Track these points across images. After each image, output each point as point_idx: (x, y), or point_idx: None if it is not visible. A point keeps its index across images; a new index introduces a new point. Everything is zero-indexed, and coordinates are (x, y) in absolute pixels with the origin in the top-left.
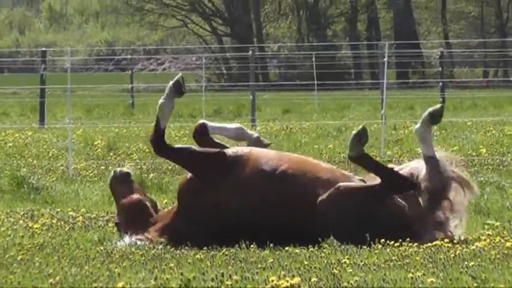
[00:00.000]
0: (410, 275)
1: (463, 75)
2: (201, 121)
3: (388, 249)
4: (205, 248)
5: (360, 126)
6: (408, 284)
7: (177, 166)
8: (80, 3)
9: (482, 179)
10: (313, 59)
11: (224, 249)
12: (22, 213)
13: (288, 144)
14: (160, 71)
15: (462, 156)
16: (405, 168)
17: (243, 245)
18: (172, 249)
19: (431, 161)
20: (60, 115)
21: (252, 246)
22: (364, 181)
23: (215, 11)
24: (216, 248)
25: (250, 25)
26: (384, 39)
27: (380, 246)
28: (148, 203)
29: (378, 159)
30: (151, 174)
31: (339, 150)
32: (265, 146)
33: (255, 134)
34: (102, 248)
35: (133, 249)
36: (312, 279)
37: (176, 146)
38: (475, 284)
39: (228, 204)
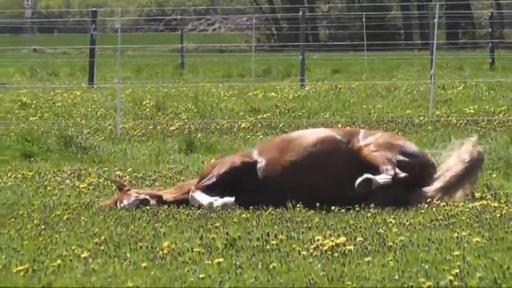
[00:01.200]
0: (456, 234)
1: None
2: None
3: (433, 209)
4: (251, 207)
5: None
6: (454, 243)
7: (225, 125)
8: None
9: None
10: (363, 19)
11: (270, 209)
12: (69, 172)
13: (337, 105)
14: (210, 31)
15: (510, 116)
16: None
17: (289, 204)
18: (218, 208)
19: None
20: (109, 75)
21: (298, 206)
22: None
23: None
24: (261, 207)
25: None
26: (435, 0)
27: (426, 206)
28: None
29: (426, 119)
30: (199, 134)
31: (387, 110)
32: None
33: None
34: (148, 207)
35: (178, 209)
36: (358, 239)
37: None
38: None
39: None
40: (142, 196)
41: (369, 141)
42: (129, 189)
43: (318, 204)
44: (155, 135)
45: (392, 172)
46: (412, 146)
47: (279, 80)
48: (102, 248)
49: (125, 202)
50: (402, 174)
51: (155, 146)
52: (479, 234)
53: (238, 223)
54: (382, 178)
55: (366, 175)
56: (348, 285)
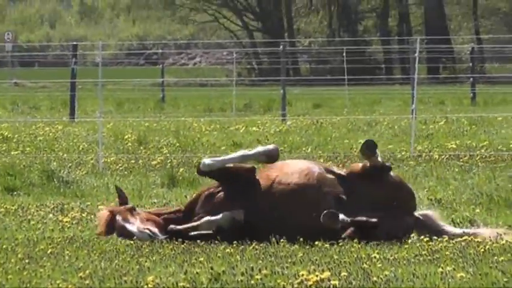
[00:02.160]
0: (440, 269)
1: (493, 71)
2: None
3: (417, 244)
4: (234, 242)
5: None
6: (438, 278)
7: None
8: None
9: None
10: (344, 54)
11: (254, 244)
12: (52, 206)
13: (319, 139)
14: (191, 65)
15: (492, 152)
16: None
17: (273, 239)
18: (202, 243)
19: None
20: (90, 109)
21: (281, 240)
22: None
23: (246, 6)
24: (245, 242)
25: (281, 20)
26: (415, 35)
27: (409, 241)
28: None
29: (408, 154)
30: (181, 169)
31: None
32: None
33: (260, 148)
34: (131, 241)
35: (162, 243)
36: (342, 274)
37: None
38: (504, 279)
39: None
40: (151, 231)
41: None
42: (133, 208)
43: (301, 238)
44: (137, 169)
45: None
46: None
47: (260, 115)
48: (86, 282)
49: (131, 228)
50: (372, 220)
51: (137, 180)
52: (463, 269)
53: (222, 258)
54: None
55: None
56: None
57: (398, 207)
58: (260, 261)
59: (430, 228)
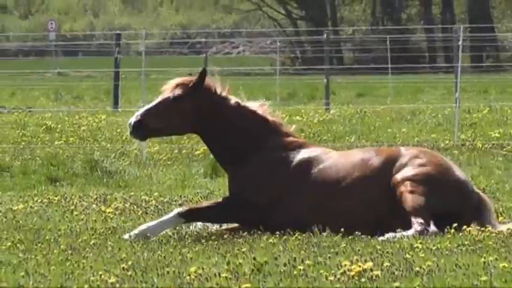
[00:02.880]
0: (483, 259)
1: None
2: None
3: (460, 234)
4: (277, 232)
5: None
6: (481, 268)
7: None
8: None
9: None
10: (388, 42)
11: (296, 234)
12: (95, 197)
13: (362, 128)
14: (234, 54)
15: None
16: None
17: (315, 229)
18: (245, 233)
19: None
20: (134, 98)
21: (324, 231)
22: None
23: None
24: (288, 232)
25: (324, 8)
26: (459, 23)
27: (453, 231)
28: None
29: (451, 143)
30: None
31: (413, 134)
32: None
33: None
34: (175, 232)
35: (205, 234)
36: (385, 264)
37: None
38: None
39: None
40: None
41: (406, 175)
42: None
43: (343, 229)
44: (180, 159)
45: (420, 228)
46: (456, 177)
47: (304, 104)
48: (129, 273)
49: None
50: (432, 229)
51: (181, 170)
52: (506, 259)
53: (265, 248)
54: (407, 235)
55: (389, 234)
56: None
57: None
58: (303, 252)
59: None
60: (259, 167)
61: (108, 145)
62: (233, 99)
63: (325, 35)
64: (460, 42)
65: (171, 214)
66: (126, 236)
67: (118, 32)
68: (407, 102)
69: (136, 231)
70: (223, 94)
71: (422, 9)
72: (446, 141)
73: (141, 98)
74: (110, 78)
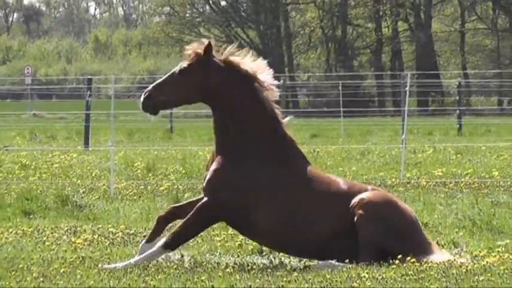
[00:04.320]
0: None
1: (479, 104)
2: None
3: (404, 264)
4: (235, 261)
5: None
6: None
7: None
8: (124, 35)
9: (494, 199)
10: (340, 87)
11: (253, 262)
12: (66, 229)
13: (315, 166)
14: None
15: (476, 179)
16: None
17: (271, 257)
18: (204, 262)
19: None
20: (103, 138)
21: (278, 258)
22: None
23: (250, 42)
24: (245, 261)
25: (282, 56)
26: (407, 70)
27: (397, 261)
28: None
29: (398, 181)
30: (187, 194)
31: (362, 172)
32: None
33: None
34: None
35: (167, 263)
36: None
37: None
38: None
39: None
40: None
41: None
42: None
43: (297, 259)
44: (146, 194)
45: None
46: (404, 221)
47: None
48: None
49: None
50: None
51: (146, 204)
52: None
53: (223, 277)
54: (345, 265)
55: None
56: None
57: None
58: (258, 280)
59: None
60: (247, 165)
61: (79, 181)
62: (242, 71)
63: (282, 81)
64: (407, 88)
65: (155, 248)
66: (108, 266)
67: (89, 77)
68: (357, 143)
69: (120, 265)
70: (232, 64)
71: (373, 57)
72: (393, 179)
73: (110, 139)
74: (82, 120)
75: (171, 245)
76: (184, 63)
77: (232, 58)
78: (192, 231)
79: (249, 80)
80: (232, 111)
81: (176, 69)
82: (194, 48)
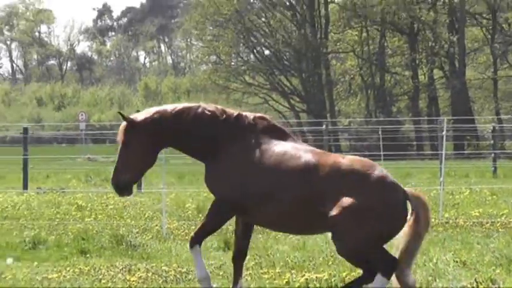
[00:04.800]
0: None
1: None
2: None
3: None
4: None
5: None
6: None
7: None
8: (172, 82)
9: None
10: (380, 132)
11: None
12: (121, 267)
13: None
14: None
15: (511, 219)
16: None
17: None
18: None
19: None
20: (155, 181)
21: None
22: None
23: (293, 89)
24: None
25: (324, 102)
26: (443, 115)
27: None
28: None
29: (437, 221)
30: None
31: None
32: None
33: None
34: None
35: None
36: None
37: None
38: None
39: None
40: None
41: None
42: None
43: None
44: None
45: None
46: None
47: None
48: None
49: None
50: None
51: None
52: None
53: None
54: None
55: None
56: None
57: None
58: None
59: None
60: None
61: (133, 222)
62: (172, 111)
63: (324, 126)
64: (444, 133)
65: (191, 253)
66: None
67: None
68: None
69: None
70: (162, 113)
71: (411, 103)
72: (433, 219)
73: (162, 181)
74: None
75: (193, 241)
76: (121, 138)
77: (151, 111)
78: (212, 226)
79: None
80: (184, 136)
81: (120, 145)
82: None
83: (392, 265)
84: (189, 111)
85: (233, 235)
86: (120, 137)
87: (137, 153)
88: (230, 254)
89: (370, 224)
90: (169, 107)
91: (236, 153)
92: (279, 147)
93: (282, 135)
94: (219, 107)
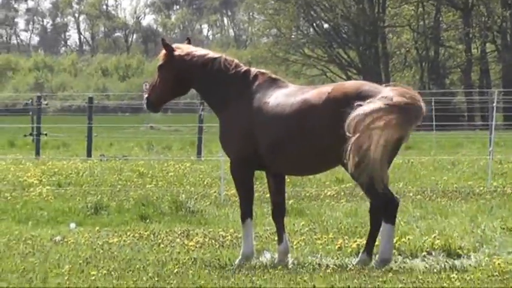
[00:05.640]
0: None
1: None
2: None
3: (490, 266)
4: (334, 262)
5: None
6: None
7: (313, 193)
8: (234, 54)
9: None
10: (433, 103)
11: (351, 263)
12: (179, 232)
13: (409, 176)
14: None
15: None
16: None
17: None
18: (306, 264)
19: None
20: (215, 149)
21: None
22: None
23: (350, 62)
24: (344, 262)
25: (380, 74)
26: (494, 88)
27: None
28: None
29: (485, 189)
30: (291, 200)
31: (452, 181)
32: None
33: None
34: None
35: (272, 264)
36: None
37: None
38: None
39: None
40: None
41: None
42: None
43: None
44: (254, 201)
45: None
46: None
47: None
48: None
49: None
50: None
51: (254, 210)
52: None
53: (323, 277)
54: None
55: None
56: None
57: None
58: (356, 280)
59: None
60: (234, 111)
61: (192, 188)
62: (200, 58)
63: None
64: (494, 104)
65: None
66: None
67: None
68: (448, 155)
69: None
70: (192, 56)
71: (463, 76)
72: (481, 188)
73: (220, 150)
74: (195, 132)
75: (243, 215)
76: (160, 64)
77: (187, 50)
78: (245, 193)
79: (203, 60)
80: (205, 84)
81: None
82: (163, 51)
83: None
84: (213, 62)
85: (289, 202)
86: (159, 61)
87: (167, 81)
88: (286, 220)
89: None
90: (200, 52)
91: (242, 106)
92: (278, 95)
93: (281, 84)
94: (235, 60)
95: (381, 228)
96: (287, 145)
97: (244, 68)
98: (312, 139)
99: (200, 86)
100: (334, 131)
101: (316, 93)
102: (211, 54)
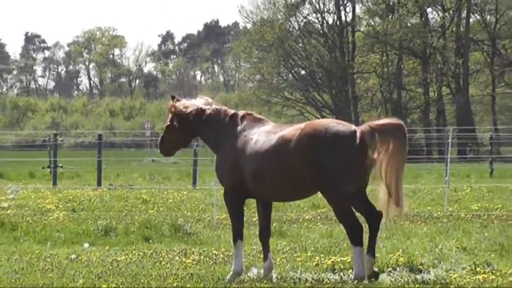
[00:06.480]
0: None
1: (507, 152)
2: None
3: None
4: (312, 277)
5: None
6: None
7: (293, 217)
8: (223, 97)
9: None
10: None
11: (327, 277)
12: (178, 251)
13: (376, 203)
14: None
15: (505, 212)
16: None
17: (341, 274)
18: (288, 278)
19: None
20: (208, 179)
21: (347, 276)
22: None
23: (324, 103)
24: (320, 277)
25: (350, 114)
26: (449, 126)
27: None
28: None
29: (442, 213)
30: (275, 223)
31: (413, 207)
32: None
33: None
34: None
35: (259, 278)
36: None
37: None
38: None
39: None
40: None
41: None
42: None
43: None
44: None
45: None
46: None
47: None
48: None
49: None
50: None
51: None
52: None
53: None
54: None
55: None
56: None
57: None
58: None
59: None
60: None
61: (189, 213)
62: (192, 109)
63: None
64: (449, 140)
65: (234, 248)
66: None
67: None
68: (409, 184)
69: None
70: (188, 110)
71: (422, 115)
72: (438, 212)
73: (213, 179)
74: (191, 164)
75: (234, 237)
76: (168, 119)
77: (187, 104)
78: (236, 217)
79: (196, 113)
80: (202, 131)
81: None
82: (169, 106)
83: None
84: (205, 112)
85: (272, 226)
86: (167, 114)
87: (174, 132)
88: (271, 241)
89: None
90: (195, 106)
91: (231, 144)
92: (260, 132)
93: (263, 122)
94: (224, 107)
95: (352, 250)
96: (267, 175)
97: (231, 111)
98: (289, 170)
99: (199, 133)
100: (308, 162)
101: (291, 129)
102: (202, 106)
